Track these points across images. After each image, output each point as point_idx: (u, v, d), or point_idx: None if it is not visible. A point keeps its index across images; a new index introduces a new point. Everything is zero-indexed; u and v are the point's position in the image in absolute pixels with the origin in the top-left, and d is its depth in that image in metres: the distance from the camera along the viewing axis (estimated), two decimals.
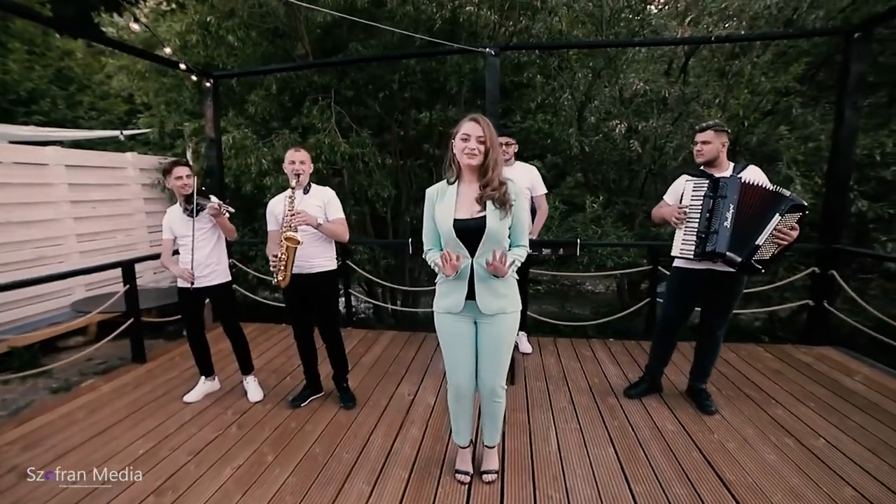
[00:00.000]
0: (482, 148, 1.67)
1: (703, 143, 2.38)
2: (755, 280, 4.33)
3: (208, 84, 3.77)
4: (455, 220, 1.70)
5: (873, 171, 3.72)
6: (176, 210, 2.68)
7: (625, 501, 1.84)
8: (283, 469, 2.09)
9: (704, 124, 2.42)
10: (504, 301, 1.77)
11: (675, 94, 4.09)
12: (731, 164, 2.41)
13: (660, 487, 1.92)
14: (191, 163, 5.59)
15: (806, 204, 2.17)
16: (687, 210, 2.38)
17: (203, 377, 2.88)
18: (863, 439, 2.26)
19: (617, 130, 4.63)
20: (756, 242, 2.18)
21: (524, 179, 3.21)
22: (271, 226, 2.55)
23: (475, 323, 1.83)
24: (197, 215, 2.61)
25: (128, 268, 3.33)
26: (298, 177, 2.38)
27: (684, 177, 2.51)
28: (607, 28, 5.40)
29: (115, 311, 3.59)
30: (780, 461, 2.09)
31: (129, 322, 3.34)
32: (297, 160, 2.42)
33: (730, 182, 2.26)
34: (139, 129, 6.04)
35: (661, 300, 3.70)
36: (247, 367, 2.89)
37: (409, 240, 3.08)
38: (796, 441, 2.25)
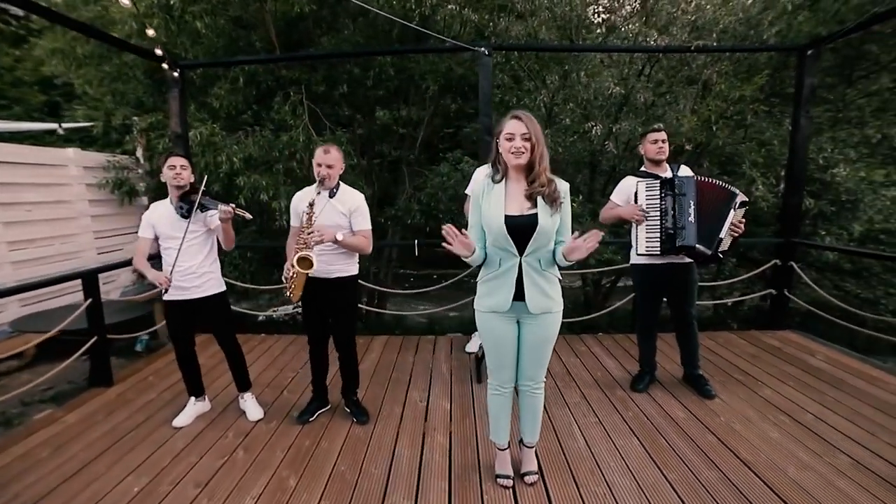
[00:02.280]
0: (528, 145, 1.65)
1: (664, 141, 2.56)
2: (721, 272, 4.73)
3: (176, 74, 3.40)
4: (506, 217, 1.68)
5: (816, 173, 4.21)
6: (164, 207, 2.39)
7: (664, 490, 1.91)
8: (310, 493, 1.94)
9: (657, 125, 2.61)
10: (550, 301, 1.77)
11: (649, 99, 4.33)
12: (667, 165, 2.62)
13: (691, 473, 2.02)
14: (141, 160, 5.07)
15: (748, 200, 2.45)
16: (646, 209, 2.53)
17: (193, 398, 2.60)
18: (841, 411, 2.53)
19: (593, 132, 4.84)
20: (720, 236, 2.40)
21: None
22: (294, 221, 2.37)
23: (518, 321, 1.82)
24: (190, 215, 2.33)
25: (90, 278, 2.93)
26: (324, 181, 2.20)
27: (632, 178, 2.65)
28: (576, 34, 5.63)
29: (74, 329, 3.14)
30: (782, 437, 2.29)
31: (92, 340, 2.93)
32: (325, 163, 2.19)
33: (686, 180, 2.45)
34: (79, 122, 5.34)
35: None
36: (244, 384, 2.65)
37: (416, 241, 3.00)
38: (790, 418, 2.48)
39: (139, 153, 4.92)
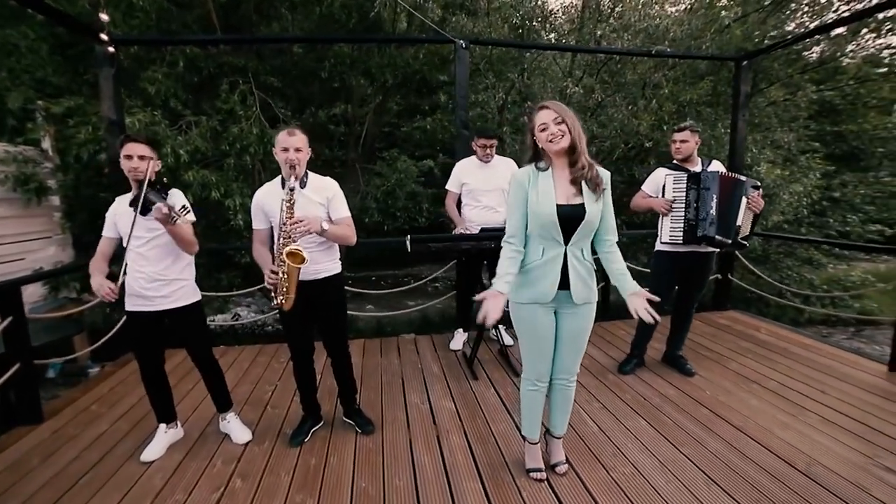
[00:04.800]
0: (563, 128, 1.65)
1: (682, 141, 2.74)
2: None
3: (111, 50, 2.88)
4: (558, 206, 1.66)
5: (744, 170, 4.78)
6: (125, 201, 2.03)
7: (684, 464, 2.02)
8: None
9: (683, 125, 2.79)
10: (590, 290, 1.78)
11: (604, 100, 4.60)
12: (699, 160, 2.84)
13: (701, 446, 2.15)
14: (50, 152, 4.28)
15: (759, 183, 2.69)
16: (673, 202, 2.72)
17: (163, 425, 2.22)
18: (795, 376, 2.89)
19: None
20: (737, 223, 2.62)
21: (506, 173, 3.28)
22: (258, 223, 2.09)
23: (555, 312, 1.80)
24: (144, 213, 1.94)
25: (10, 292, 2.38)
26: (294, 168, 1.91)
27: (663, 170, 2.84)
28: (527, 35, 5.83)
29: None
30: (761, 404, 2.54)
31: (14, 368, 2.39)
32: (292, 146, 1.92)
33: (711, 175, 2.65)
34: None
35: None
36: (225, 403, 2.33)
37: (408, 237, 2.86)
38: (760, 386, 2.76)
39: (47, 144, 4.13)
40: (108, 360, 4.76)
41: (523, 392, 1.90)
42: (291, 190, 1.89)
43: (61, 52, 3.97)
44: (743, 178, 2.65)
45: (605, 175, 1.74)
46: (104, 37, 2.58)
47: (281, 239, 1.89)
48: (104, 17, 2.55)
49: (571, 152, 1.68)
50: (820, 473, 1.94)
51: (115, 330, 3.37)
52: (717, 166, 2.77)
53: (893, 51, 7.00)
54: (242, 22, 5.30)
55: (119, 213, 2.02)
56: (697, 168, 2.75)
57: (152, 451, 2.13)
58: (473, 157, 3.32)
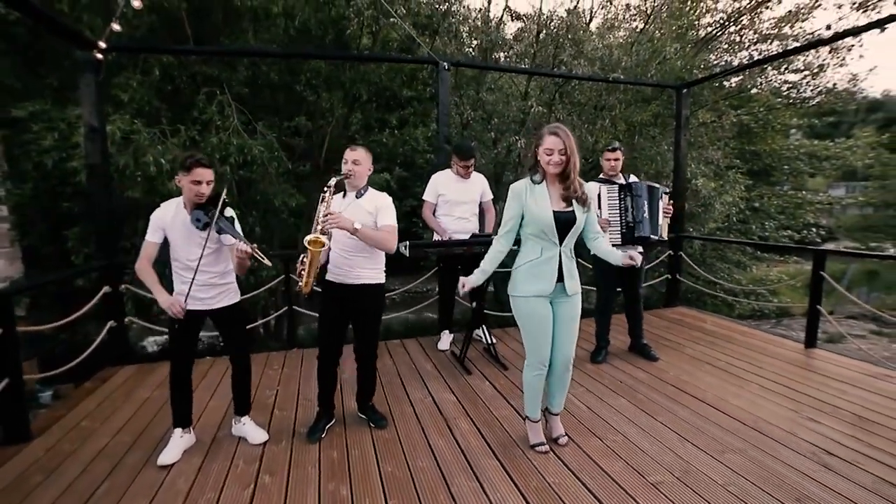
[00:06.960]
0: (564, 159, 1.95)
1: (615, 159, 3.19)
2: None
3: (100, 57, 2.83)
4: (554, 212, 1.96)
5: (685, 183, 5.47)
6: (178, 211, 2.10)
7: (661, 430, 2.37)
8: (373, 498, 1.89)
9: (615, 145, 3.23)
10: (577, 283, 2.09)
11: (566, 118, 5.09)
12: (621, 174, 3.29)
13: (673, 415, 2.53)
14: None
15: (669, 189, 3.26)
16: (608, 209, 3.14)
17: (179, 429, 2.23)
18: (738, 356, 3.41)
19: (519, 145, 5.46)
20: (659, 222, 3.10)
21: (478, 187, 3.61)
22: None
23: (551, 303, 2.09)
24: (204, 228, 2.04)
25: (2, 302, 2.27)
26: (348, 177, 2.20)
27: (595, 183, 3.23)
28: (487, 56, 6.28)
29: None
30: (715, 381, 2.99)
31: (4, 383, 2.27)
32: (351, 159, 2.23)
33: (640, 185, 3.14)
34: None
35: None
36: (245, 406, 2.38)
37: (407, 242, 3.04)
38: (712, 366, 3.23)
39: None
40: (66, 382, 4.44)
41: (527, 378, 2.16)
42: (329, 186, 2.12)
43: (22, 53, 3.75)
44: (657, 185, 3.18)
45: (590, 189, 2.08)
46: (102, 44, 2.55)
47: (314, 229, 2.07)
48: (116, 27, 2.52)
49: (564, 178, 1.99)
50: (763, 426, 2.37)
51: (91, 348, 3.24)
52: (634, 178, 3.27)
53: (790, 85, 8.31)
54: (213, 32, 5.26)
55: (172, 223, 2.09)
56: (621, 180, 3.20)
57: (169, 455, 2.14)
58: (449, 171, 3.59)
